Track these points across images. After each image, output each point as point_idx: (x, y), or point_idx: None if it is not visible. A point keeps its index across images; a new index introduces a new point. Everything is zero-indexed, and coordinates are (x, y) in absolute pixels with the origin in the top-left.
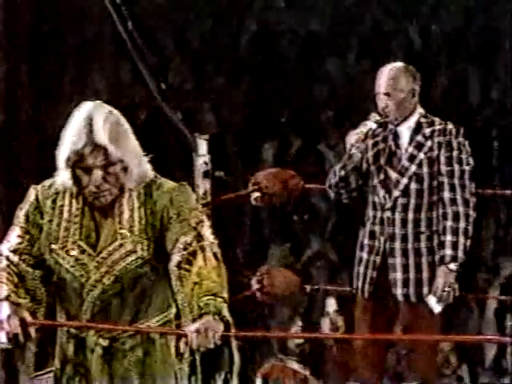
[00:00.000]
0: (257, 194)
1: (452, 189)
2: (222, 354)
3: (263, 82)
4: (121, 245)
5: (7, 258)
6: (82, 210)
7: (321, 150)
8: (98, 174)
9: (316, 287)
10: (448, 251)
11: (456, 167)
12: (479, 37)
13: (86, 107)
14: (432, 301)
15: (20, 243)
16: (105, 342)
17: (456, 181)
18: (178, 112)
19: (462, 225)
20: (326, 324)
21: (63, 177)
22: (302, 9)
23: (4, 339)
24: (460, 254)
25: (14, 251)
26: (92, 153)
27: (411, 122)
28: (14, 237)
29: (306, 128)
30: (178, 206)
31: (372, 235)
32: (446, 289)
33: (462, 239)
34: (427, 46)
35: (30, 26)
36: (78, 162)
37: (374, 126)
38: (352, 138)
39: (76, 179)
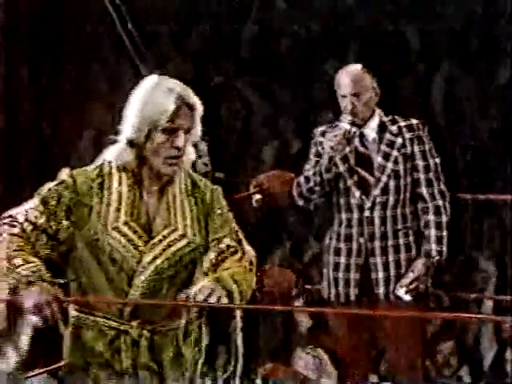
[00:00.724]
0: (258, 196)
1: (429, 184)
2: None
3: (263, 83)
4: (175, 229)
5: (22, 226)
6: (133, 191)
7: None
8: (182, 136)
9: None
10: (434, 246)
11: (431, 161)
12: (479, 38)
13: (153, 79)
14: (401, 292)
15: (37, 217)
16: (148, 334)
17: (432, 175)
18: None
19: (444, 219)
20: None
21: (120, 152)
22: (302, 9)
23: (38, 322)
24: (444, 248)
25: (31, 223)
26: (182, 113)
27: (375, 121)
28: (33, 210)
29: (306, 129)
30: (220, 205)
31: (349, 238)
32: (414, 284)
33: (445, 233)
34: (426, 48)
35: (30, 26)
36: (161, 125)
37: (349, 127)
38: (331, 140)
39: (140, 152)
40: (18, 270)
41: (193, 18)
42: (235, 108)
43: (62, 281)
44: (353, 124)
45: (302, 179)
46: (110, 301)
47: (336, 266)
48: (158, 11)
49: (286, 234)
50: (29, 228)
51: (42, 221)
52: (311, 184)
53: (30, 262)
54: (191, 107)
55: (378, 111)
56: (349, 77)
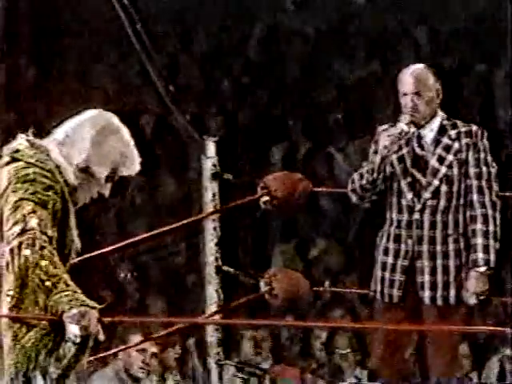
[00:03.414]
0: (266, 198)
1: (480, 191)
2: None
3: (271, 84)
4: None
5: (42, 238)
6: None
7: (330, 152)
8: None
9: (325, 288)
10: (480, 255)
11: (484, 169)
12: (488, 38)
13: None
14: (470, 301)
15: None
16: None
17: (484, 183)
18: (186, 114)
19: (491, 228)
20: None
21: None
22: (310, 10)
23: (77, 332)
24: (492, 257)
25: (47, 236)
26: None
27: (434, 124)
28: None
29: (314, 130)
30: None
31: (397, 239)
32: (479, 297)
33: (492, 242)
34: (435, 48)
35: (35, 27)
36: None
37: (406, 127)
38: (385, 139)
39: None
40: (62, 294)
41: (201, 19)
42: (244, 109)
43: (99, 306)
44: (412, 124)
45: (356, 176)
46: (144, 320)
47: (383, 266)
48: (167, 12)
49: (291, 234)
50: (47, 240)
51: (50, 231)
52: (364, 181)
53: (69, 289)
54: None
55: (440, 114)
56: (412, 75)
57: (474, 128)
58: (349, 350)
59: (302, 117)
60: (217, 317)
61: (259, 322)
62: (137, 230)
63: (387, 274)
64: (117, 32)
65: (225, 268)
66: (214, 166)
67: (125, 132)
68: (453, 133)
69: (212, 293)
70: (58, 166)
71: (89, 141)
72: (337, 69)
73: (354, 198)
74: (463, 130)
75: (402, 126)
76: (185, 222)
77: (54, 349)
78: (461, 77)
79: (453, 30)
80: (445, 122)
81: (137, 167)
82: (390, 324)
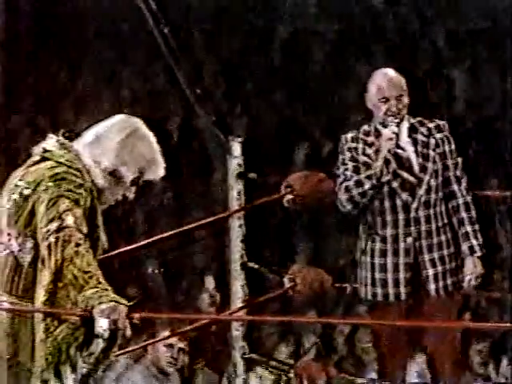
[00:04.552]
0: (289, 197)
1: (458, 181)
2: None
3: (295, 86)
4: None
5: (79, 234)
6: None
7: None
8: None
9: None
10: (474, 241)
11: (458, 160)
12: (506, 39)
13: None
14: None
15: (83, 225)
16: None
17: (459, 173)
18: (211, 115)
19: (473, 214)
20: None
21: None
22: (332, 13)
23: (107, 326)
24: (481, 241)
25: (82, 233)
26: None
27: (405, 124)
28: (78, 219)
29: (336, 131)
30: None
31: (395, 239)
32: (478, 280)
33: (477, 227)
34: (453, 49)
35: (62, 31)
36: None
37: (397, 130)
38: (387, 144)
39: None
40: (93, 290)
41: (225, 22)
42: (268, 110)
43: (129, 303)
44: (397, 126)
45: (351, 183)
46: (169, 315)
47: (383, 267)
48: (192, 16)
49: (313, 233)
50: (82, 238)
51: (85, 229)
52: (366, 187)
53: (100, 286)
54: None
55: (406, 114)
56: (389, 80)
57: (441, 122)
58: (370, 344)
59: (325, 117)
60: (241, 312)
61: (281, 319)
62: (164, 228)
63: (390, 275)
64: (143, 35)
65: (250, 264)
66: (240, 165)
67: (151, 137)
68: (423, 130)
69: (238, 289)
70: (86, 167)
71: (117, 145)
72: (358, 70)
73: (348, 206)
74: (431, 125)
75: (394, 128)
76: (211, 219)
77: (84, 344)
78: (474, 78)
79: (470, 31)
80: (412, 121)
81: (161, 172)
82: (399, 321)
